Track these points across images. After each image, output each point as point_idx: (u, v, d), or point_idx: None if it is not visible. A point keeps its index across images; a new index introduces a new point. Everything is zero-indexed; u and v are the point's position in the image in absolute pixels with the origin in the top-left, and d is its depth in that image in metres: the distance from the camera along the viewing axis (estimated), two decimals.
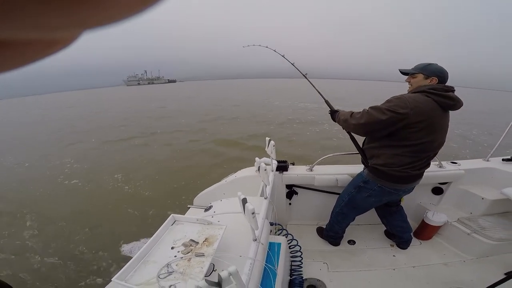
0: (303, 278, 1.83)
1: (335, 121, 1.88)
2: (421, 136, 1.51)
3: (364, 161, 1.83)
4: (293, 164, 2.42)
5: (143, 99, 32.48)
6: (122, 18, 0.10)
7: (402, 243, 2.17)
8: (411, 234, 2.20)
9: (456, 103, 1.51)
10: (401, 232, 2.14)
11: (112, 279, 0.94)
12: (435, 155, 1.68)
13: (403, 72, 1.67)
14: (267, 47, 2.44)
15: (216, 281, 0.78)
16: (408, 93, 1.62)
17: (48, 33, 0.10)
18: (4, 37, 0.09)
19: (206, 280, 0.74)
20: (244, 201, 1.04)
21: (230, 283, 0.77)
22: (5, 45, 0.10)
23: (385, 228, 2.29)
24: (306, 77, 2.22)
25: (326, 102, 2.05)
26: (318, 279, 1.91)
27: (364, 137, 1.83)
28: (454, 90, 1.52)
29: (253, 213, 1.01)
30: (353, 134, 1.87)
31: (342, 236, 2.21)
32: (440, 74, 1.52)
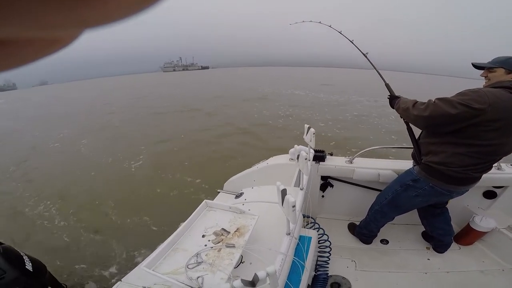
0: (328, 274, 1.75)
1: (394, 108, 1.71)
2: (493, 136, 1.31)
3: (417, 157, 1.65)
4: (331, 154, 2.28)
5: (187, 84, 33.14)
6: (122, 17, 0.10)
7: (440, 246, 2.02)
8: (452, 238, 2.03)
9: None
10: (441, 235, 1.97)
11: (141, 267, 0.91)
12: (500, 159, 1.48)
13: (478, 66, 1.47)
14: (320, 22, 2.22)
15: (250, 279, 0.72)
16: (485, 87, 1.42)
17: (49, 32, 0.10)
18: (5, 35, 0.09)
19: (242, 280, 0.68)
20: (284, 193, 0.96)
21: (264, 282, 0.72)
22: (7, 44, 0.10)
23: (424, 230, 2.13)
24: (366, 57, 1.99)
25: (387, 85, 1.86)
26: (343, 277, 1.83)
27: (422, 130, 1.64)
28: None
29: (293, 207, 0.92)
30: (411, 125, 1.69)
31: (376, 235, 2.09)
32: None
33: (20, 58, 0.11)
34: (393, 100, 1.74)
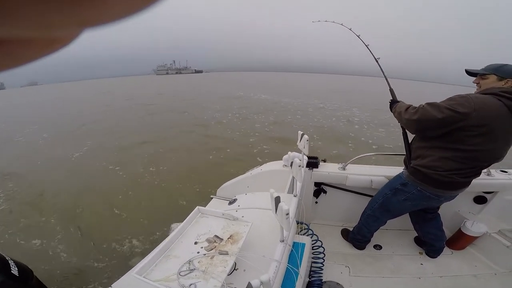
0: (322, 280, 1.74)
1: (392, 112, 1.76)
2: (478, 142, 1.34)
3: (407, 161, 1.69)
4: (324, 161, 2.29)
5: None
6: (122, 17, 0.10)
7: (433, 251, 2.04)
8: (444, 243, 2.06)
9: None
10: (433, 240, 2.00)
11: (131, 274, 0.89)
12: (489, 166, 1.50)
13: (470, 73, 1.51)
14: (342, 24, 2.28)
15: None
16: (475, 93, 1.45)
17: (49, 32, 0.10)
18: (5, 35, 0.09)
19: None
20: (277, 200, 0.95)
21: None
22: (6, 43, 0.10)
23: (416, 235, 2.15)
24: (377, 62, 2.06)
25: (391, 90, 1.91)
26: (337, 283, 1.82)
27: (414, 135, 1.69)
28: None
29: (287, 214, 0.92)
30: (406, 130, 1.73)
31: (369, 240, 2.09)
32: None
33: (19, 57, 0.11)
34: (393, 104, 1.78)
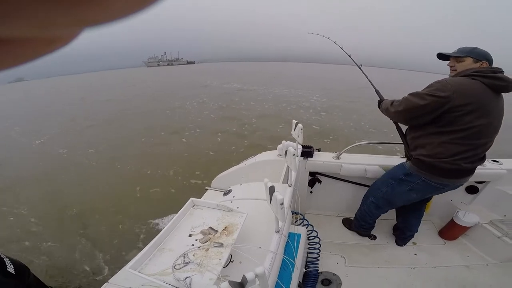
0: (319, 271, 1.75)
1: (380, 110, 1.83)
2: (470, 119, 1.37)
3: (407, 153, 1.69)
4: (318, 150, 2.28)
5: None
6: (123, 16, 0.10)
7: (402, 239, 2.09)
8: (413, 233, 2.08)
9: (508, 84, 1.38)
10: (407, 229, 2.03)
11: (126, 269, 0.87)
12: (490, 143, 1.50)
13: (444, 55, 1.56)
14: (329, 38, 2.53)
15: (239, 281, 0.69)
16: (450, 77, 1.52)
17: (49, 31, 0.10)
18: (5, 34, 0.09)
19: (229, 282, 0.65)
20: (271, 190, 0.93)
21: (253, 283, 0.70)
22: (6, 42, 0.10)
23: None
24: (360, 68, 2.23)
25: (377, 92, 2.01)
26: (333, 273, 1.83)
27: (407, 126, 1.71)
28: (503, 72, 1.41)
29: (281, 204, 0.90)
30: (399, 123, 1.77)
31: (373, 227, 2.11)
32: (490, 58, 1.44)
33: (19, 56, 0.11)
34: (380, 103, 1.86)
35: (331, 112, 10.75)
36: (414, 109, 1.46)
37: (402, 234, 2.06)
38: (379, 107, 1.85)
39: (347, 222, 2.28)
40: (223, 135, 7.59)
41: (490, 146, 1.51)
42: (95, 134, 8.16)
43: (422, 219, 2.01)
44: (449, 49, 1.58)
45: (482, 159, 1.53)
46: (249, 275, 0.66)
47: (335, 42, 2.43)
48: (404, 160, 1.81)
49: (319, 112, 10.70)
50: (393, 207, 1.90)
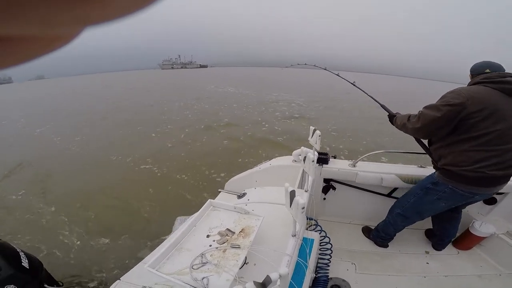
0: (329, 277, 1.73)
1: (394, 125, 1.83)
2: (487, 125, 1.36)
3: (434, 163, 1.70)
4: (334, 157, 2.28)
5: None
6: (124, 15, 0.10)
7: (439, 245, 2.06)
8: (451, 239, 2.07)
9: None
10: (445, 236, 2.02)
11: (145, 267, 0.89)
12: None
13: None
14: (314, 65, 2.68)
15: (261, 281, 0.70)
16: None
17: (51, 29, 0.10)
18: (8, 32, 0.09)
19: (254, 282, 0.66)
20: (292, 194, 0.95)
21: (275, 284, 0.71)
22: (8, 41, 0.10)
23: (426, 228, 2.16)
24: (355, 85, 2.29)
25: (382, 106, 2.02)
26: (343, 279, 1.81)
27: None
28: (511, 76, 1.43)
29: (303, 208, 0.91)
30: (418, 138, 1.78)
31: (393, 238, 2.08)
32: (487, 66, 1.49)
33: (21, 55, 0.11)
34: (392, 118, 1.87)
35: (298, 121, 10.80)
36: (433, 122, 1.46)
37: (440, 240, 2.05)
38: (392, 122, 1.85)
39: (366, 230, 2.26)
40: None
41: None
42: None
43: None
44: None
45: (510, 167, 1.47)
46: (273, 276, 0.67)
47: (325, 69, 2.63)
48: (426, 169, 1.82)
49: (289, 119, 10.83)
50: (422, 218, 1.86)
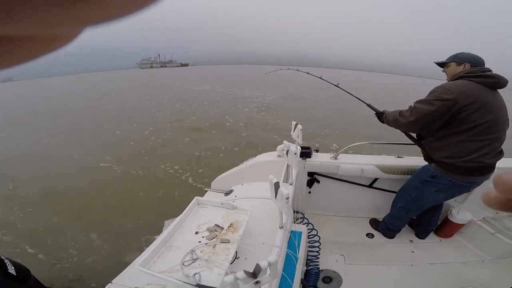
0: (319, 269, 1.77)
1: (384, 123, 1.86)
2: (478, 116, 1.44)
3: (426, 157, 1.75)
4: (316, 151, 2.32)
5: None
6: (124, 15, 0.10)
7: (422, 233, 2.15)
8: (433, 227, 2.16)
9: (499, 80, 1.48)
10: (427, 225, 2.11)
11: (135, 266, 0.87)
12: (504, 136, 1.56)
13: (438, 64, 1.71)
14: (297, 69, 2.73)
15: (251, 271, 0.71)
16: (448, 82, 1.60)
17: (51, 29, 0.10)
18: (7, 33, 0.09)
19: (245, 271, 0.67)
20: (277, 185, 0.96)
21: (265, 273, 0.72)
22: (8, 41, 0.10)
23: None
24: (339, 87, 2.35)
25: (369, 105, 2.06)
26: (334, 271, 1.86)
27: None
28: (491, 71, 1.52)
29: (287, 199, 0.93)
30: (409, 132, 1.83)
31: (400, 230, 2.14)
32: (472, 60, 1.54)
33: (21, 55, 0.11)
34: (380, 115, 1.89)
35: (268, 112, 11.45)
36: (426, 116, 1.51)
37: (423, 229, 2.13)
38: (380, 119, 1.89)
39: (374, 222, 2.31)
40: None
41: (504, 139, 1.57)
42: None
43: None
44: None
45: (500, 153, 1.58)
46: (263, 263, 0.68)
47: (308, 73, 2.72)
48: (404, 159, 1.86)
49: (259, 112, 11.42)
50: (423, 209, 1.93)
